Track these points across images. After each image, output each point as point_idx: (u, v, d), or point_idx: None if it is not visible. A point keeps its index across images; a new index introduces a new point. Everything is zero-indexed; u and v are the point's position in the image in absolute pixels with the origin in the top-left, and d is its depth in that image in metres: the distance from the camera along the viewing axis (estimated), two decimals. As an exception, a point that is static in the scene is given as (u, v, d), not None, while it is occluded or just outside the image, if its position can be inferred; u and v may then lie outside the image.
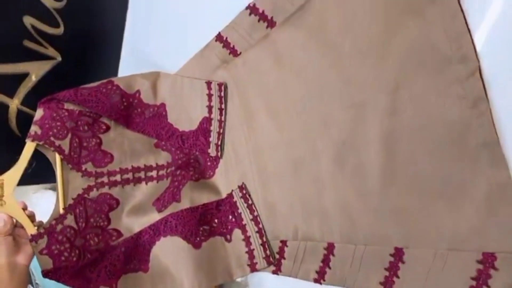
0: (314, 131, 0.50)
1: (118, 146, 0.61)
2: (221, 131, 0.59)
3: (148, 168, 0.61)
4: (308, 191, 0.49)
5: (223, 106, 0.59)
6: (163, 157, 0.62)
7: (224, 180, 0.59)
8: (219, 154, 0.59)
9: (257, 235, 0.54)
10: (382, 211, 0.43)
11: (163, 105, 0.63)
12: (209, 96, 0.60)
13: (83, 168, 0.59)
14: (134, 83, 0.63)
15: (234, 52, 0.58)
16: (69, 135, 0.58)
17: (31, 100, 0.71)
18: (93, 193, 0.59)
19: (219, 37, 0.59)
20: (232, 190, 0.57)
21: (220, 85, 0.59)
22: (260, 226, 0.54)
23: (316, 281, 0.47)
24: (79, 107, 0.59)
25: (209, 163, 0.61)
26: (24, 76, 0.71)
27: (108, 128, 0.61)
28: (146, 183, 0.61)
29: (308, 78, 0.51)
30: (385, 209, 0.43)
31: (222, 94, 0.59)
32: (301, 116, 0.51)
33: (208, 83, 0.60)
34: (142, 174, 0.61)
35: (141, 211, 0.59)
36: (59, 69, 0.71)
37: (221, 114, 0.59)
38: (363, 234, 0.44)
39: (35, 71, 0.71)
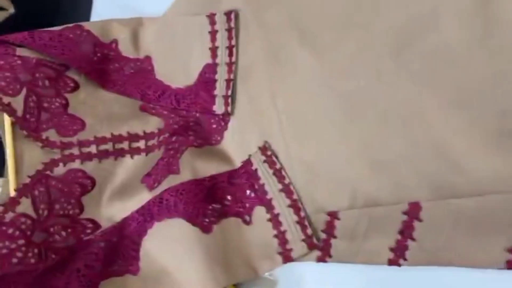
0: (375, 50, 0.36)
1: (90, 110, 0.46)
2: (231, 76, 0.44)
3: (133, 137, 0.46)
4: (373, 135, 0.35)
5: (233, 42, 0.45)
6: (152, 123, 0.47)
7: (237, 144, 0.44)
8: (228, 109, 0.45)
9: (291, 210, 0.39)
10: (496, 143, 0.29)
11: (148, 58, 0.48)
12: (213, 33, 0.45)
13: (44, 136, 0.43)
14: (110, 29, 0.49)
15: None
16: (24, 91, 0.43)
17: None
18: (59, 170, 0.43)
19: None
20: (250, 156, 0.43)
21: (228, 14, 0.45)
22: (295, 196, 0.39)
23: (393, 262, 0.32)
24: (37, 55, 0.44)
25: (214, 126, 0.46)
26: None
27: (76, 86, 0.46)
28: (132, 157, 0.45)
29: None
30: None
31: (232, 24, 0.45)
32: (354, 33, 0.37)
33: (211, 16, 0.45)
34: (125, 145, 0.45)
35: (126, 193, 0.44)
36: (12, 23, 0.55)
37: (230, 54, 0.45)
38: (469, 180, 0.30)
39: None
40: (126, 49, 0.49)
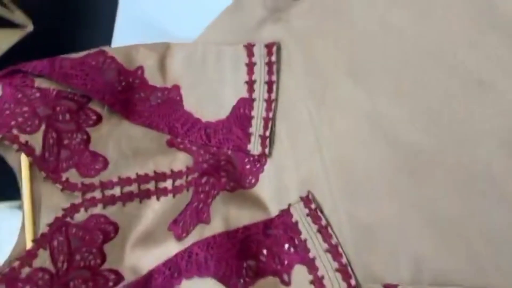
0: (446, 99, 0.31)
1: (113, 146, 0.42)
2: (270, 115, 0.40)
3: (160, 176, 0.42)
4: (442, 199, 0.31)
5: (274, 77, 0.40)
6: (180, 160, 0.43)
7: (274, 190, 0.40)
8: (266, 151, 0.40)
9: (339, 275, 0.35)
10: None
11: (176, 87, 0.44)
12: (250, 66, 0.41)
13: (64, 178, 0.39)
14: (135, 55, 0.44)
15: (294, -7, 0.40)
16: (43, 127, 0.39)
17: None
18: (80, 216, 0.39)
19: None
20: (290, 205, 0.38)
21: (269, 46, 0.40)
22: (344, 260, 0.35)
23: None
24: (58, 86, 0.40)
25: (248, 166, 0.42)
26: (-20, 52, 0.51)
27: (99, 119, 0.42)
28: (158, 198, 0.41)
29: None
30: None
31: (273, 58, 0.40)
32: (417, 79, 0.33)
33: (249, 47, 0.41)
34: (151, 186, 0.41)
35: (151, 240, 0.40)
36: (30, 41, 0.51)
37: (269, 90, 0.40)
38: None
39: (-3, 44, 0.51)
40: (152, 77, 0.45)
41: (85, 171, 0.40)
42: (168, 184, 0.42)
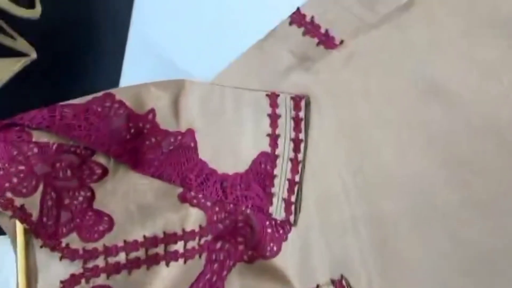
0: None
1: (120, 202, 0.38)
2: (297, 179, 0.35)
3: (170, 237, 0.37)
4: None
5: (301, 135, 0.35)
6: (193, 218, 0.39)
7: (299, 265, 0.35)
8: (291, 218, 0.36)
9: None
10: None
11: (190, 132, 0.39)
12: (273, 118, 0.36)
13: (63, 244, 0.35)
14: (146, 97, 0.40)
15: (328, 41, 0.34)
16: (40, 188, 0.35)
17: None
18: None
19: (296, 17, 0.36)
20: (318, 286, 0.34)
21: (296, 99, 0.35)
22: None
23: None
24: (58, 139, 0.36)
25: (269, 230, 0.37)
26: (-20, 81, 0.47)
27: (105, 173, 0.38)
28: (167, 264, 0.37)
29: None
30: None
31: (301, 114, 0.35)
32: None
33: (272, 96, 0.36)
34: (160, 249, 0.37)
35: (159, 312, 0.36)
36: (34, 70, 0.47)
37: (296, 150, 0.35)
38: None
39: (-2, 73, 0.47)
40: (164, 120, 0.40)
41: (87, 235, 0.36)
42: (179, 246, 0.38)
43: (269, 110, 0.37)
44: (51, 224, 0.35)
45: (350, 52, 0.33)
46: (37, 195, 0.34)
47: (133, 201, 0.38)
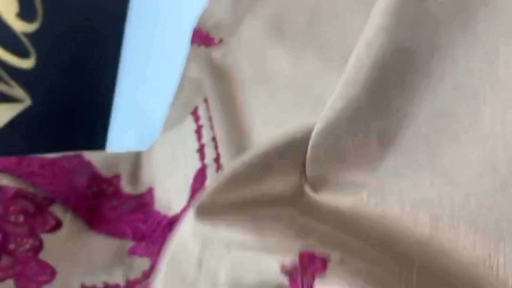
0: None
1: (67, 256, 0.36)
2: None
3: None
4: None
5: (215, 131, 0.36)
6: (138, 267, 0.37)
7: None
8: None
9: None
10: None
11: (150, 190, 0.41)
12: (198, 131, 0.38)
13: (-3, 290, 0.32)
14: (115, 162, 0.42)
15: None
16: (-12, 230, 0.34)
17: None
18: None
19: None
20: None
21: (206, 100, 0.38)
22: None
23: None
24: (20, 184, 0.37)
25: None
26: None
27: (57, 225, 0.37)
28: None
29: None
30: None
31: (212, 112, 0.37)
32: None
33: (194, 112, 0.38)
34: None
35: None
36: (28, 116, 0.49)
37: (215, 147, 0.36)
38: None
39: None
40: (128, 184, 0.42)
41: (24, 283, 0.33)
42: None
43: (194, 125, 0.38)
44: (-11, 267, 0.33)
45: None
46: (-18, 237, 0.34)
47: (81, 256, 0.37)
